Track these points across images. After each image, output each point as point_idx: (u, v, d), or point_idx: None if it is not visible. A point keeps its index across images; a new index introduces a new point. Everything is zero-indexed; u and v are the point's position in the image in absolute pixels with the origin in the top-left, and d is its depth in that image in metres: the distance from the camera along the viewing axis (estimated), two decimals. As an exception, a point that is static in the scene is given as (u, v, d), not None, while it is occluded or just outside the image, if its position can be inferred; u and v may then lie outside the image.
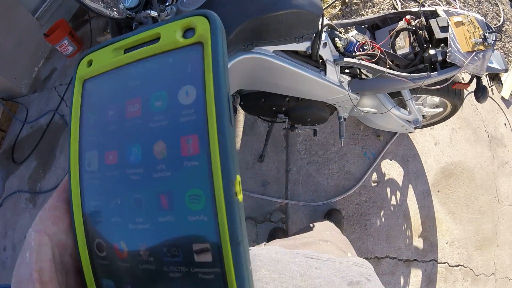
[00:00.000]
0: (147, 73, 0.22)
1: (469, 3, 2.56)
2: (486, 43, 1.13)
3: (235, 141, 0.21)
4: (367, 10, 2.22)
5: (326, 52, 1.10)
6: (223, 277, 0.19)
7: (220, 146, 0.19)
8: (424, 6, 1.30)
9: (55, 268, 0.22)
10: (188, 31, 0.21)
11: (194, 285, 0.20)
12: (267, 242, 0.88)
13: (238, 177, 0.19)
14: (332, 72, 1.14)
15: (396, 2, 2.28)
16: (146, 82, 0.22)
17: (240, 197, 0.19)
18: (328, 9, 2.14)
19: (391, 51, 1.21)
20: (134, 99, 0.22)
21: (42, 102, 2.45)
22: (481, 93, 1.28)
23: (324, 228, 1.09)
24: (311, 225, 1.08)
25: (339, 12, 2.15)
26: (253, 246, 0.75)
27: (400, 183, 1.84)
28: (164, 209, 0.20)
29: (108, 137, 0.23)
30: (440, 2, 2.41)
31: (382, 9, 2.26)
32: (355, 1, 2.22)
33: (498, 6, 2.63)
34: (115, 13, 0.86)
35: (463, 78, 1.34)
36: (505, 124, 2.20)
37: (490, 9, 2.60)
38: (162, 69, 0.22)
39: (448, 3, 2.46)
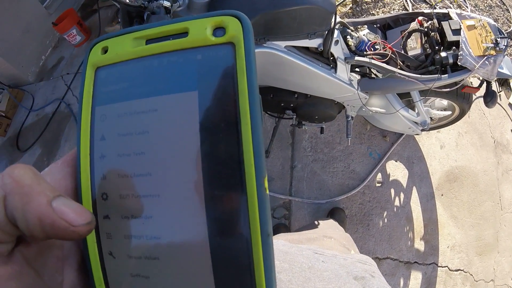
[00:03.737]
0: (172, 67, 0.21)
1: (480, 8, 2.54)
2: (497, 48, 1.13)
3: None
4: (377, 10, 2.21)
5: (337, 50, 1.09)
6: (250, 269, 0.19)
7: (255, 148, 0.19)
8: (435, 8, 1.29)
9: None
10: (217, 30, 0.21)
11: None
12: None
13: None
14: (343, 70, 1.13)
15: (407, 3, 2.27)
16: (171, 77, 0.21)
17: (268, 191, 0.20)
18: (339, 7, 2.14)
19: (402, 52, 1.20)
20: (157, 94, 0.21)
21: (48, 91, 2.46)
22: (490, 98, 1.27)
23: (328, 226, 1.09)
24: (315, 222, 1.08)
25: (350, 10, 2.14)
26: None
27: (404, 185, 1.83)
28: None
29: (123, 133, 0.22)
30: (451, 5, 2.40)
31: (393, 9, 2.25)
32: (366, 0, 2.21)
33: (509, 12, 2.61)
34: (128, 0, 0.86)
35: (471, 82, 1.33)
36: (511, 130, 2.19)
37: (501, 15, 2.58)
38: (189, 66, 0.21)
39: (459, 6, 2.44)
